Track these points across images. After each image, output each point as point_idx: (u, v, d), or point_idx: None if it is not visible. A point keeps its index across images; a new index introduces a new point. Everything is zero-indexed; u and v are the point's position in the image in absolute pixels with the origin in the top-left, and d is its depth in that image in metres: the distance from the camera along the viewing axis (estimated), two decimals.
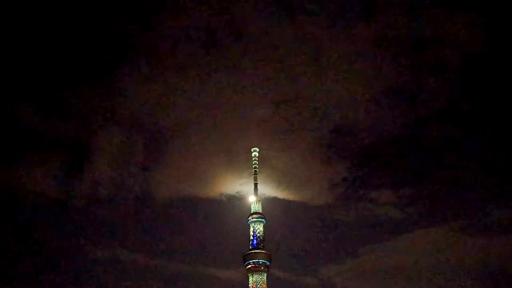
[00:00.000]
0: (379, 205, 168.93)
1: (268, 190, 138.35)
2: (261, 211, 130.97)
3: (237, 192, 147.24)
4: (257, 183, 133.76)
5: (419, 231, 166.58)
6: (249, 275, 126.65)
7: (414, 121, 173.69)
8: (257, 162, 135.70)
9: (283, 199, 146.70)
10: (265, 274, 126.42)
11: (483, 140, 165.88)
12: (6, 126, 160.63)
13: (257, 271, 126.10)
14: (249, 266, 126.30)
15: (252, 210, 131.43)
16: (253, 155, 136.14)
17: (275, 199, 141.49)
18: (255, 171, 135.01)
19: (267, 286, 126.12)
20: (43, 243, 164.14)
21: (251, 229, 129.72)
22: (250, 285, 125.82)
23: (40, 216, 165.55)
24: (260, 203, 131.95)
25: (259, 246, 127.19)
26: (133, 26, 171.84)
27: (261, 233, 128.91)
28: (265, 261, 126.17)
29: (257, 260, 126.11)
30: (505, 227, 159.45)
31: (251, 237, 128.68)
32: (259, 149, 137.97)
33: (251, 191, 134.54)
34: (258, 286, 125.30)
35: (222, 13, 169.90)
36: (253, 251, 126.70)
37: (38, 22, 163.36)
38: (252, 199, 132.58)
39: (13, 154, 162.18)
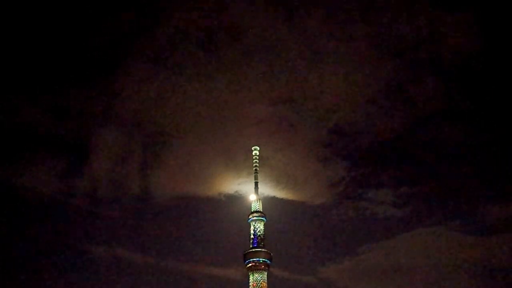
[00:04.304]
0: (378, 204, 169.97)
1: (266, 189, 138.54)
2: (261, 210, 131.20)
3: (236, 191, 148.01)
4: (257, 182, 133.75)
5: (417, 230, 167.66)
6: (249, 273, 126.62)
7: (412, 121, 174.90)
8: (257, 161, 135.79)
9: (282, 199, 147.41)
10: (266, 273, 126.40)
11: (482, 139, 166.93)
12: (6, 125, 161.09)
13: (258, 269, 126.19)
14: (250, 264, 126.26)
15: (252, 208, 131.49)
16: (253, 153, 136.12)
17: (273, 199, 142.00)
18: (255, 169, 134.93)
19: (267, 285, 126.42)
20: (43, 243, 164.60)
21: (252, 227, 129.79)
22: (250, 284, 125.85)
23: (40, 216, 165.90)
24: (260, 201, 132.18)
25: (260, 245, 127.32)
26: (132, 27, 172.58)
27: (261, 232, 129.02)
28: (266, 260, 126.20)
29: (258, 259, 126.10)
30: (503, 226, 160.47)
31: (252, 236, 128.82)
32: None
33: (250, 190, 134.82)
34: (259, 285, 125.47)
35: (221, 13, 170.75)
36: (253, 249, 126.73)
37: (38, 22, 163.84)
38: (252, 198, 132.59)
39: (13, 153, 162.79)
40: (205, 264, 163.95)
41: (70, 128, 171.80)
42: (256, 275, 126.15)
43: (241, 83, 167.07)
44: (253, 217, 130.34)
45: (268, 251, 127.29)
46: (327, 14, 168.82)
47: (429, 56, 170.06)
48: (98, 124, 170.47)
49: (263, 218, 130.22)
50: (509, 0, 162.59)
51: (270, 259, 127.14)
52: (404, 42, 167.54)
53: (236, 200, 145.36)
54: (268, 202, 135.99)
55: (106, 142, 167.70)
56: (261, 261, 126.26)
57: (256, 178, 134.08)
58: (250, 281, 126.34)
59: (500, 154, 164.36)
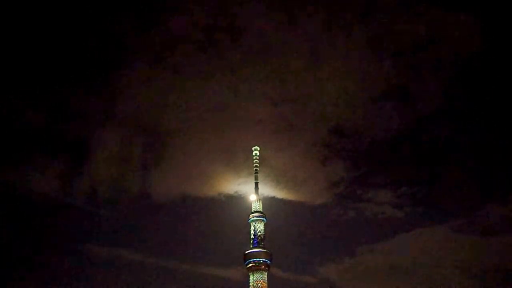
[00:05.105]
0: (378, 205, 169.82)
1: (266, 189, 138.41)
2: (261, 210, 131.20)
3: (236, 192, 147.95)
4: (258, 182, 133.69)
5: (417, 230, 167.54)
6: (249, 274, 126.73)
7: (412, 121, 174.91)
8: (257, 161, 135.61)
9: (282, 199, 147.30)
10: (266, 273, 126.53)
11: (482, 139, 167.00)
12: (6, 126, 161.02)
13: (258, 270, 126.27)
14: (250, 265, 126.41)
15: (253, 209, 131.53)
16: (253, 154, 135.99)
17: (273, 199, 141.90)
18: (256, 169, 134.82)
19: (267, 285, 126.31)
20: (43, 243, 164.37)
21: (252, 228, 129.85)
22: (250, 284, 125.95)
23: (40, 216, 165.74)
24: (261, 201, 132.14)
25: (260, 245, 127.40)
26: (132, 27, 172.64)
27: (261, 232, 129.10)
28: (266, 260, 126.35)
29: (258, 259, 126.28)
30: (503, 226, 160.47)
31: (252, 236, 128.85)
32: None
33: (250, 191, 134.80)
34: (259, 285, 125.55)
35: (221, 13, 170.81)
36: (254, 250, 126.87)
37: (38, 22, 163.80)
38: (253, 198, 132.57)
39: (14, 154, 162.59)
40: (205, 264, 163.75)
41: (70, 128, 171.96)
42: (256, 275, 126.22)
43: (241, 83, 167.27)
44: (253, 217, 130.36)
45: (268, 251, 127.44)
46: (327, 14, 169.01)
47: (429, 56, 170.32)
48: (98, 124, 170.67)
49: (263, 218, 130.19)
50: (510, 0, 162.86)
51: (270, 259, 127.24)
52: (404, 42, 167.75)
53: (236, 200, 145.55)
54: (268, 202, 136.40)
55: (106, 142, 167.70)
56: (261, 261, 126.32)
57: (256, 178, 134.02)
58: (250, 281, 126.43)
59: (500, 154, 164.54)
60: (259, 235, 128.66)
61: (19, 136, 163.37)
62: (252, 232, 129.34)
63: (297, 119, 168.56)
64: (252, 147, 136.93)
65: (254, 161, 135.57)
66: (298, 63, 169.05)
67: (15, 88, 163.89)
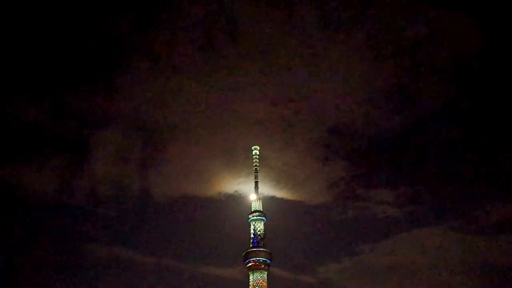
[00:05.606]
0: (378, 204, 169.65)
1: (266, 189, 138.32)
2: (261, 209, 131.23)
3: (236, 191, 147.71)
4: (257, 181, 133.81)
5: (417, 230, 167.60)
6: (249, 273, 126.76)
7: (412, 121, 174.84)
8: (257, 160, 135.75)
9: (281, 198, 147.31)
10: (266, 273, 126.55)
11: (482, 139, 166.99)
12: (6, 125, 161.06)
13: (258, 269, 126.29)
14: (250, 264, 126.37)
15: (252, 208, 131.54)
16: (253, 153, 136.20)
17: (273, 198, 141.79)
18: (255, 169, 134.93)
19: (267, 284, 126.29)
20: (43, 243, 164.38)
21: (252, 227, 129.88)
22: (250, 283, 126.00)
23: (40, 216, 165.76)
24: (260, 201, 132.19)
25: (260, 245, 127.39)
26: (132, 27, 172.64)
27: (261, 231, 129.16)
28: (266, 259, 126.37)
29: (258, 259, 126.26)
30: (503, 226, 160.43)
31: (252, 235, 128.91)
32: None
33: (250, 190, 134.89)
34: (259, 284, 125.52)
35: (220, 13, 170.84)
36: (254, 249, 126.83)
37: (38, 22, 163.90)
38: (252, 197, 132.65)
39: (13, 153, 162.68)
40: (205, 264, 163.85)
41: (70, 128, 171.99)
42: (256, 274, 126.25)
43: (241, 83, 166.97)
44: (253, 216, 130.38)
45: (268, 251, 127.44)
46: (326, 14, 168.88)
47: (429, 56, 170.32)
48: (98, 124, 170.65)
49: (263, 218, 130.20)
50: (509, 0, 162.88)
51: (270, 259, 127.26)
52: (403, 42, 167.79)
53: (236, 199, 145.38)
54: (268, 201, 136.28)
55: (106, 142, 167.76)
56: (261, 260, 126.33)
57: (256, 177, 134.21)
58: (250, 280, 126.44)
59: (500, 154, 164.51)
60: (259, 235, 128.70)
61: (19, 135, 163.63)
62: (252, 231, 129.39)
63: (297, 119, 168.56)
64: (252, 146, 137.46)
65: (254, 161, 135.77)
66: (297, 63, 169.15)
67: (15, 88, 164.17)
